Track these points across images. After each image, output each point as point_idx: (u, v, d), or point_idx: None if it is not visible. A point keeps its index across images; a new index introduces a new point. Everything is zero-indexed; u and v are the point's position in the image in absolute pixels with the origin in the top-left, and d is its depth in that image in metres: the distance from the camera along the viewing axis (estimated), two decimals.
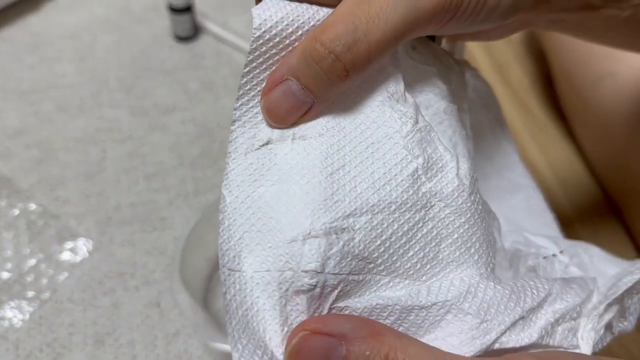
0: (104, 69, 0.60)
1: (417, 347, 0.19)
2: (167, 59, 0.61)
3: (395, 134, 0.22)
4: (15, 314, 0.44)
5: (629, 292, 0.24)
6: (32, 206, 0.50)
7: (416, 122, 0.23)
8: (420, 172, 0.22)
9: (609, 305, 0.24)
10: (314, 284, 0.20)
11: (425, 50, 0.27)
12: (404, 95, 0.23)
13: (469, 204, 0.22)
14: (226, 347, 0.37)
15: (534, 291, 0.22)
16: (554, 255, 0.23)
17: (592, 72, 0.50)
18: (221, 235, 0.22)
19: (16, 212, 0.49)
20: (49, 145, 0.54)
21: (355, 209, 0.21)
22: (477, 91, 0.34)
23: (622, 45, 0.33)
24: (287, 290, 0.20)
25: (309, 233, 0.20)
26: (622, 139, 0.47)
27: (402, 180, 0.22)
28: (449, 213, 0.22)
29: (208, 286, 0.46)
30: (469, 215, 0.22)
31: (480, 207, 0.23)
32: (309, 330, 0.19)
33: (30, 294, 0.45)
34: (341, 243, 0.20)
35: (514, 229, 0.29)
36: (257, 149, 0.23)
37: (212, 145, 0.54)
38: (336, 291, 0.21)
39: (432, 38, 0.28)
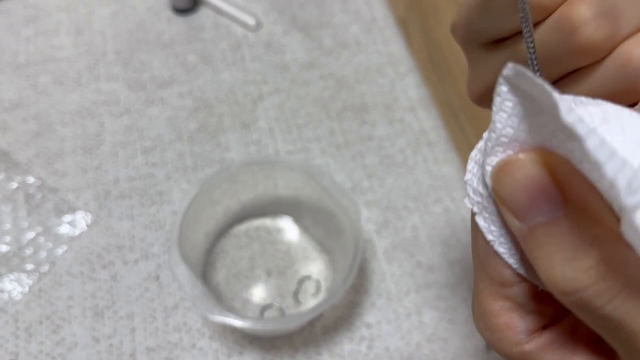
0: (101, 41, 0.59)
1: None
2: (165, 32, 0.60)
3: None
4: (14, 287, 0.44)
5: None
6: (30, 179, 0.49)
7: None
8: None
9: None
10: None
11: None
12: None
13: None
14: (224, 319, 0.37)
15: None
16: None
17: None
18: None
19: (14, 185, 0.49)
20: (46, 118, 0.54)
21: None
22: None
23: None
24: None
25: None
26: None
27: None
28: None
29: (206, 260, 0.46)
30: None
31: None
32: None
33: (30, 267, 0.45)
34: None
35: None
36: None
37: (210, 120, 0.54)
38: None
39: None
